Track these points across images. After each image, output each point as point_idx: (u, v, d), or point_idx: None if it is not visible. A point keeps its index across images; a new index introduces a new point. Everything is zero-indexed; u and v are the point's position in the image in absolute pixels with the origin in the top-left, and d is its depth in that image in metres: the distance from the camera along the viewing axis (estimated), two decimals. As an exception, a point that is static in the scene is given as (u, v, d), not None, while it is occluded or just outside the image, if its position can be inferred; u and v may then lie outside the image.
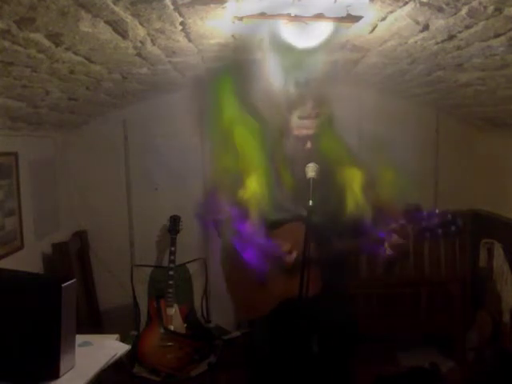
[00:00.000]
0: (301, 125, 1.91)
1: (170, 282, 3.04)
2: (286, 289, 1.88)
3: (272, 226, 1.92)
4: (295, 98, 1.91)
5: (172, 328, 2.97)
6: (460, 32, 1.57)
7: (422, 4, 1.36)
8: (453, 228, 1.68)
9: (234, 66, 1.81)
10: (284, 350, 1.92)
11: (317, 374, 1.88)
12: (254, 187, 1.82)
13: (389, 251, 1.75)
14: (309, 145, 1.91)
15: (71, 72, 1.90)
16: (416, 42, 1.80)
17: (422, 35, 1.68)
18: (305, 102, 1.90)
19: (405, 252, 1.78)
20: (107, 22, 1.41)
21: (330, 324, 1.89)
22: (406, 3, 1.38)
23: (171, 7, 1.37)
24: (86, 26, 1.39)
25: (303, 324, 1.66)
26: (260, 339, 2.13)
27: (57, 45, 1.52)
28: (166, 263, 3.17)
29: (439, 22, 1.50)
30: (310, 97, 1.90)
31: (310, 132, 1.91)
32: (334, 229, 1.88)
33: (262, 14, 1.48)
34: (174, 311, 3.02)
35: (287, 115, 1.93)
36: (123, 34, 1.54)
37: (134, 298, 3.15)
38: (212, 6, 1.41)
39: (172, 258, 3.09)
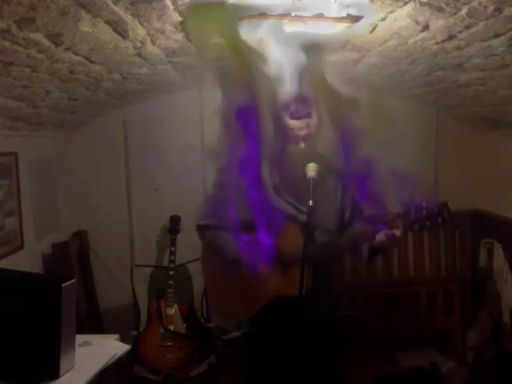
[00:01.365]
0: (294, 125, 1.90)
1: (170, 282, 3.04)
2: (276, 287, 1.88)
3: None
4: (288, 97, 1.90)
5: (172, 328, 2.97)
6: (460, 32, 1.57)
7: (422, 4, 1.36)
8: (439, 220, 1.73)
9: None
10: (277, 349, 1.93)
11: (309, 375, 1.87)
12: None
13: (379, 238, 1.77)
14: (302, 145, 1.91)
15: (71, 72, 1.90)
16: (416, 42, 1.80)
17: (422, 35, 1.68)
18: (297, 101, 1.89)
19: (393, 242, 1.81)
20: (107, 22, 1.41)
21: (315, 323, 1.88)
22: (406, 3, 1.38)
23: (171, 7, 1.37)
24: (85, 26, 1.39)
25: (293, 323, 1.67)
26: (259, 337, 2.13)
27: (57, 45, 1.52)
28: (166, 263, 3.17)
29: (439, 22, 1.50)
30: (303, 96, 1.89)
31: (304, 132, 1.90)
32: (328, 227, 1.90)
33: (262, 14, 1.48)
34: (173, 311, 3.02)
35: (281, 115, 1.92)
36: (123, 34, 1.54)
37: (134, 297, 3.15)
38: (212, 6, 1.41)
39: (172, 258, 3.09)
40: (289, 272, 1.85)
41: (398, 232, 1.76)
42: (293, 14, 1.47)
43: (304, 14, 1.47)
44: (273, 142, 1.94)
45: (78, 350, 1.64)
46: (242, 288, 1.93)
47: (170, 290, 3.03)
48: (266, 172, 1.93)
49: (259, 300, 1.93)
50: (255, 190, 1.83)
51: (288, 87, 1.80)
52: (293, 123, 1.90)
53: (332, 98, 1.86)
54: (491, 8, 1.31)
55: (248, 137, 1.79)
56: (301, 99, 1.88)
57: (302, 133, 1.90)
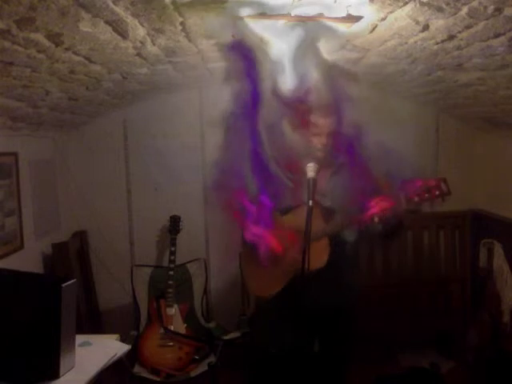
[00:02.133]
0: (317, 122, 1.93)
1: (170, 282, 3.04)
2: (298, 262, 1.90)
3: (282, 212, 1.96)
4: (311, 96, 1.92)
5: (172, 328, 2.97)
6: (460, 32, 1.57)
7: (421, 4, 1.36)
8: (437, 192, 1.80)
9: None
10: (285, 347, 1.93)
11: (317, 374, 1.88)
12: None
13: (378, 215, 1.80)
14: (323, 140, 1.94)
15: (71, 72, 1.90)
16: (416, 42, 1.80)
17: (421, 35, 1.68)
18: (321, 99, 1.92)
19: (398, 216, 1.84)
20: (107, 22, 1.41)
21: (329, 316, 1.89)
22: (406, 3, 1.38)
23: (171, 7, 1.37)
24: (85, 26, 1.39)
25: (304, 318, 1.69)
26: (259, 336, 2.13)
27: (57, 45, 1.52)
28: (166, 263, 3.17)
29: (439, 22, 1.50)
30: (325, 95, 1.91)
31: (326, 130, 1.94)
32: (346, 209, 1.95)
33: (262, 14, 1.48)
34: (173, 311, 3.02)
35: (305, 113, 1.95)
36: (123, 34, 1.54)
37: (134, 297, 3.14)
38: (212, 5, 1.41)
39: (172, 257, 3.09)
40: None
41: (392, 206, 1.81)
42: (293, 14, 1.47)
43: (304, 13, 1.47)
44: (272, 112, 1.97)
45: (78, 350, 1.64)
46: (268, 264, 1.96)
47: (170, 290, 3.03)
48: (265, 140, 1.96)
49: (284, 275, 1.95)
50: (256, 149, 1.88)
51: (286, 65, 1.83)
52: (316, 120, 1.93)
53: (329, 69, 1.88)
54: (491, 8, 1.31)
55: (248, 78, 1.83)
56: (323, 98, 1.92)
57: (325, 130, 1.94)
